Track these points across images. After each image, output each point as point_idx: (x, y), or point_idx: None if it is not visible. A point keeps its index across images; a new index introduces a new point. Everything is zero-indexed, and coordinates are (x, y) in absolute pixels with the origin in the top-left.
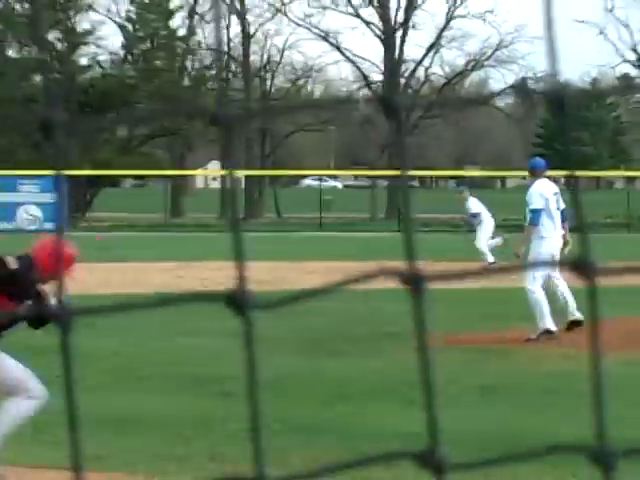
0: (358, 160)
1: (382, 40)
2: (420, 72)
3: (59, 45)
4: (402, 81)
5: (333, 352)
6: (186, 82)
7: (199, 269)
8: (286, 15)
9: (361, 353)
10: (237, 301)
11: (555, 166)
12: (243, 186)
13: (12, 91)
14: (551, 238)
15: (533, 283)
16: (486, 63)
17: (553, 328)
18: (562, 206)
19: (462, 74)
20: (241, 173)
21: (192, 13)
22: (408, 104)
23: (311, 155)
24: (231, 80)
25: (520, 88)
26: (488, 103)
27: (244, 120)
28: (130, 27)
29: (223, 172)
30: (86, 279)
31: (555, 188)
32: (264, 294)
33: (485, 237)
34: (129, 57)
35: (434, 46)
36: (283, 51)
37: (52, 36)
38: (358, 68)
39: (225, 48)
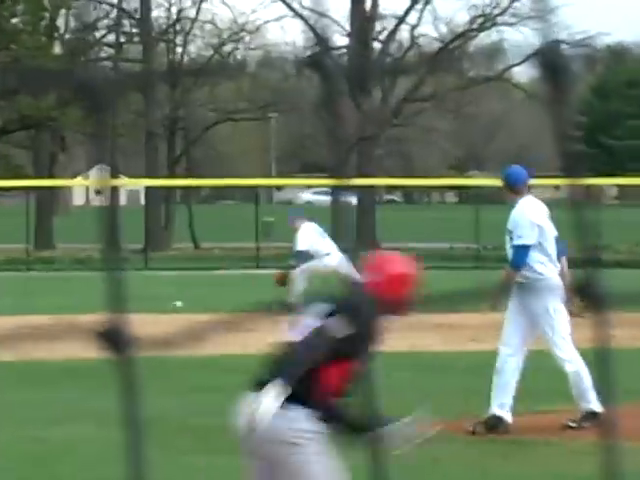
0: (312, 163)
1: None
2: (403, 33)
3: None
4: (377, 46)
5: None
6: (57, 49)
7: (79, 325)
8: None
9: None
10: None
11: (601, 171)
12: (143, 202)
13: None
14: (552, 280)
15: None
16: (499, 19)
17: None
18: (555, 233)
19: (465, 35)
20: (139, 183)
21: None
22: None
23: (243, 156)
24: (125, 47)
25: (548, 56)
26: (501, 78)
27: (121, 87)
28: None
29: (113, 182)
30: None
31: (546, 208)
32: None
33: (304, 276)
34: None
35: None
36: (200, 3)
37: None
38: (311, 28)
39: None
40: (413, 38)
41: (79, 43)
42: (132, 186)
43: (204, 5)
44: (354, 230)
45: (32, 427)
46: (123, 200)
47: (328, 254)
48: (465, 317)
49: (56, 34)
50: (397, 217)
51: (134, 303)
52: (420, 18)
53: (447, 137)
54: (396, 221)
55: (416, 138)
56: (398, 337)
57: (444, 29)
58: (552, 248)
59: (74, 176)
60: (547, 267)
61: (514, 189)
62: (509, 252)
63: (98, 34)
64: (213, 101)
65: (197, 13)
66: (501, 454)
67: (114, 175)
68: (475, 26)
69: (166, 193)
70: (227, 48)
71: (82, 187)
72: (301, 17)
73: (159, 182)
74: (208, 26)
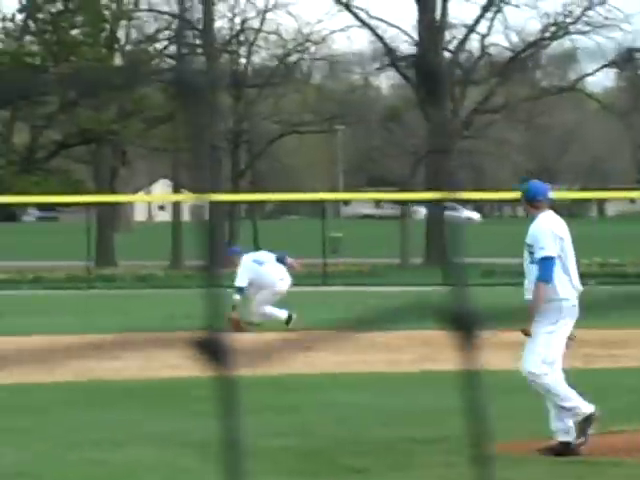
0: (380, 177)
1: None
2: (473, 42)
3: None
4: (446, 56)
5: (344, 469)
6: (118, 61)
7: (141, 344)
8: None
9: (383, 469)
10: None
11: None
12: (206, 218)
13: None
14: (570, 301)
15: (540, 364)
16: (572, 28)
17: (589, 409)
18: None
19: (537, 45)
20: (202, 198)
21: None
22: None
23: (309, 169)
24: (187, 58)
25: (623, 65)
26: (574, 88)
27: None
28: None
29: (181, 196)
30: None
31: (565, 225)
32: None
33: (263, 302)
34: (31, 25)
35: (493, 3)
36: (265, 13)
37: None
38: (379, 38)
39: (177, 9)
40: (483, 47)
41: (140, 55)
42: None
43: (268, 15)
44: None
45: (94, 449)
46: (186, 215)
47: (281, 279)
48: None
49: (116, 46)
50: (468, 231)
51: (198, 321)
52: (490, 27)
53: (519, 149)
54: (467, 235)
55: (487, 150)
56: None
57: (515, 38)
58: (573, 267)
59: (136, 191)
60: (565, 288)
61: (533, 203)
62: (527, 269)
63: (159, 45)
64: (278, 113)
65: (261, 23)
66: (575, 475)
67: (177, 190)
68: (547, 35)
69: (230, 208)
70: (292, 59)
71: (144, 202)
72: (368, 27)
73: (223, 197)
74: (272, 36)
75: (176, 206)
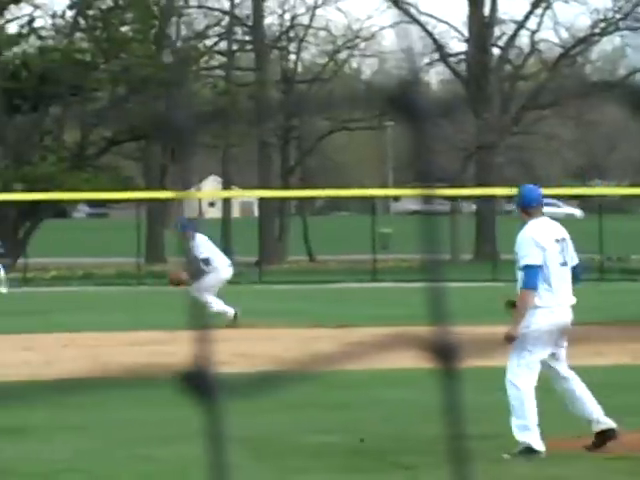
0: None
1: None
2: (523, 39)
3: None
4: (496, 52)
5: (392, 465)
6: (168, 58)
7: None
8: None
9: (432, 466)
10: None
11: None
12: (256, 214)
13: None
14: (549, 309)
15: (517, 372)
16: (622, 24)
17: (539, 447)
18: (572, 260)
19: (586, 41)
20: (252, 194)
21: None
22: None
23: (358, 166)
24: (237, 55)
25: None
26: (624, 84)
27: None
28: None
29: (231, 193)
30: (22, 359)
31: (560, 232)
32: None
33: (208, 289)
34: (81, 21)
35: None
36: (314, 9)
37: None
38: (429, 34)
39: (227, 5)
40: (533, 43)
41: (189, 51)
42: (245, 197)
43: (318, 11)
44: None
45: (144, 446)
46: (236, 212)
47: (229, 265)
48: (588, 329)
49: (166, 42)
50: (518, 228)
51: (248, 317)
52: (540, 23)
53: (568, 145)
54: (517, 232)
55: (537, 146)
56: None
57: (565, 34)
58: (557, 276)
59: (185, 188)
60: (545, 296)
61: (526, 210)
62: (518, 276)
63: (209, 42)
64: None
65: (311, 20)
66: (627, 472)
67: (227, 186)
68: (597, 31)
69: (280, 204)
70: (342, 55)
71: (194, 199)
72: (418, 23)
73: (273, 193)
74: (322, 33)
75: (226, 203)
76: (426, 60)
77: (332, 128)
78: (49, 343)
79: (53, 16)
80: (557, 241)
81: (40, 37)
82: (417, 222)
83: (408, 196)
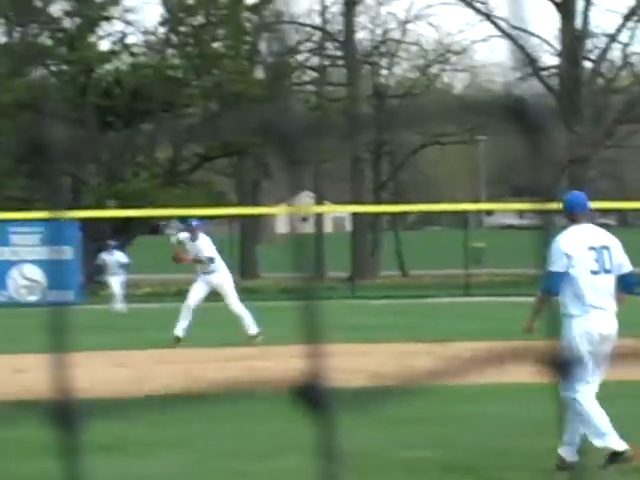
0: (523, 187)
1: (557, 4)
2: (615, 52)
3: (68, 22)
4: (588, 65)
5: None
6: (259, 74)
7: (284, 356)
8: None
9: None
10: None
11: None
12: (349, 229)
13: None
14: (581, 317)
15: (573, 387)
16: None
17: (620, 447)
18: (618, 268)
19: None
20: (345, 210)
21: None
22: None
23: (450, 180)
24: (328, 70)
25: None
26: None
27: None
28: None
29: (324, 208)
30: (114, 375)
31: (601, 239)
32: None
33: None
34: (173, 38)
35: (635, 12)
36: (406, 24)
37: (57, 8)
38: (521, 47)
39: (318, 21)
40: (625, 57)
41: (281, 67)
42: (338, 213)
43: (409, 26)
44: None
45: (238, 460)
46: (329, 227)
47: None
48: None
49: (257, 58)
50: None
51: (341, 333)
52: (632, 36)
53: None
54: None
55: (630, 160)
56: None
57: None
58: (587, 284)
59: (278, 203)
60: (574, 303)
61: (570, 216)
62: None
63: (301, 57)
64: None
65: (402, 34)
66: None
67: (319, 202)
68: None
69: (372, 219)
70: (433, 70)
71: (286, 214)
72: (509, 37)
73: (365, 208)
74: (413, 47)
75: (318, 218)
76: (518, 74)
77: (424, 142)
78: (142, 359)
79: (145, 33)
80: (592, 249)
81: (132, 54)
82: (531, 236)
83: (501, 210)
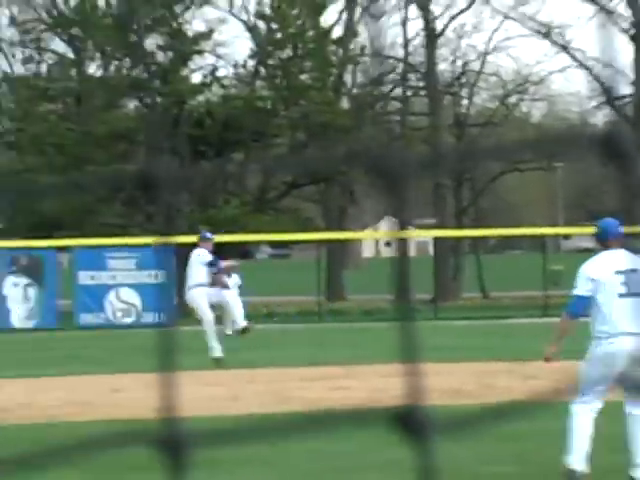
0: (599, 211)
1: (631, 35)
2: None
3: (161, 55)
4: None
5: None
6: (345, 104)
7: (368, 376)
8: (488, 3)
9: None
10: (407, 421)
11: None
12: (432, 253)
13: (93, 125)
14: (606, 340)
15: (578, 401)
16: None
17: (578, 467)
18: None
19: None
20: (428, 234)
21: (352, 4)
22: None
23: (529, 205)
24: (411, 100)
25: None
26: None
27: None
28: (263, 27)
29: (403, 233)
30: (207, 394)
31: (630, 262)
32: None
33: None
34: (262, 70)
35: None
36: (485, 56)
37: (151, 42)
38: (596, 78)
39: (401, 53)
40: None
41: (366, 97)
42: (421, 237)
43: (489, 58)
44: None
45: (328, 478)
46: (413, 251)
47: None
48: None
49: (343, 89)
50: None
51: (425, 353)
52: None
53: None
54: None
55: None
56: None
57: None
58: (614, 307)
59: (363, 229)
60: (600, 326)
61: (602, 242)
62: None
63: (384, 88)
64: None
65: (482, 66)
66: None
67: (404, 227)
68: None
69: (454, 243)
70: (512, 99)
71: (372, 239)
72: (585, 67)
73: (448, 233)
74: (493, 78)
75: (401, 242)
76: (593, 103)
77: (503, 169)
78: (232, 379)
79: (235, 66)
80: (620, 272)
81: (223, 86)
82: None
83: (578, 234)
